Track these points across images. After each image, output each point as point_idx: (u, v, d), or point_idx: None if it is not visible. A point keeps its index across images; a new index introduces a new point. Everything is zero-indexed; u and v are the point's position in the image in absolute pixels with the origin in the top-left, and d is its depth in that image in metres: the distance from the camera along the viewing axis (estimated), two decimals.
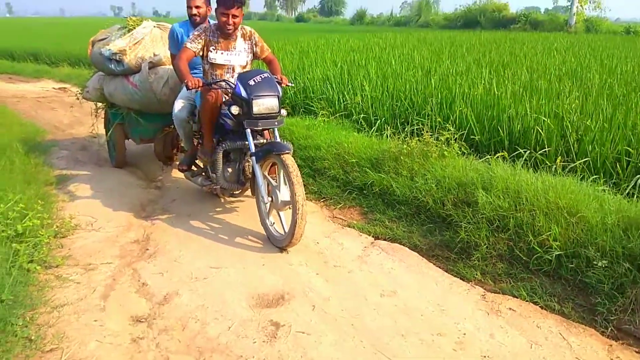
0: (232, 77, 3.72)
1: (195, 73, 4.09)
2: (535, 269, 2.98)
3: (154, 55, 4.62)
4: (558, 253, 2.91)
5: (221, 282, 2.93)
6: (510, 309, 2.67)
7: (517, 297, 2.78)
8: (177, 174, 4.89)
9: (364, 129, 5.63)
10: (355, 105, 6.16)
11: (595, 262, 2.76)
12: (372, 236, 3.60)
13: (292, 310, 2.63)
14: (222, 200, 4.31)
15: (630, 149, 4.01)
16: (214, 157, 3.65)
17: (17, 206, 3.28)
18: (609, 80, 6.55)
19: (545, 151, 4.31)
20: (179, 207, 4.17)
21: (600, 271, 2.73)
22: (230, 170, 3.70)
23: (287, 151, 3.24)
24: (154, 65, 4.57)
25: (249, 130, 3.43)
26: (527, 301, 2.74)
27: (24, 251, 2.94)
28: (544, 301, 2.73)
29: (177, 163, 4.51)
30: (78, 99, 5.75)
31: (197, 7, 4.12)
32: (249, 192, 4.08)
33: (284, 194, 3.32)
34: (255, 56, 3.89)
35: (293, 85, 4.03)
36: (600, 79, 6.65)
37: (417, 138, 4.45)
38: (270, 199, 3.39)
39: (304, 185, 4.42)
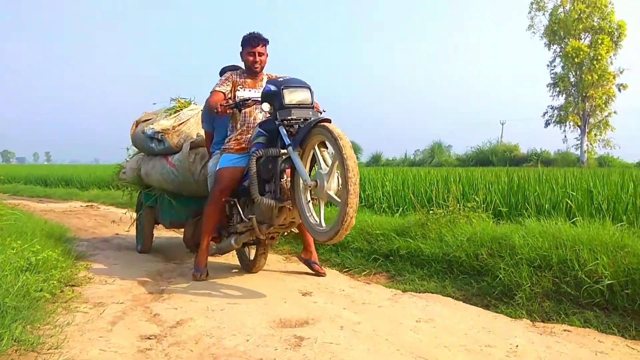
0: (260, 112, 3.59)
1: (221, 142, 3.89)
2: (587, 303, 2.67)
3: (197, 135, 4.45)
4: (610, 282, 2.64)
5: (239, 312, 2.68)
6: (565, 330, 2.35)
7: (572, 327, 2.46)
8: None
9: (387, 213, 5.56)
10: (377, 199, 6.16)
11: None
12: (402, 290, 3.34)
13: (318, 329, 2.35)
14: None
15: None
16: (249, 165, 3.12)
17: (33, 247, 3.20)
18: None
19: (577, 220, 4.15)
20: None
21: None
22: (267, 191, 3.21)
23: (328, 118, 2.89)
24: (196, 145, 4.34)
25: (282, 127, 3.03)
26: (582, 327, 2.42)
27: (34, 281, 2.78)
28: (601, 332, 2.41)
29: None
30: (113, 180, 5.80)
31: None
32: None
33: (330, 184, 2.80)
34: None
35: (324, 110, 3.38)
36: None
37: (443, 209, 4.36)
38: (314, 182, 2.83)
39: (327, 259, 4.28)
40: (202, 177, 4.16)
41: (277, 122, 3.06)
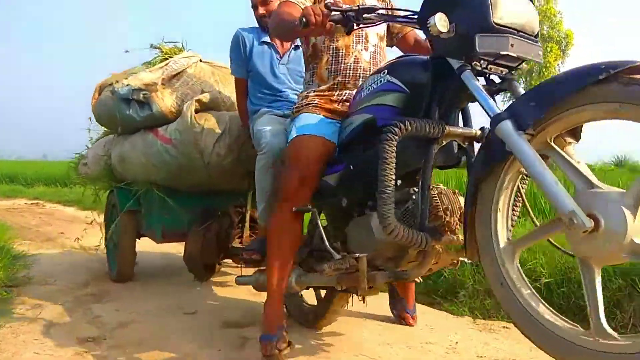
0: (366, 50, 2.01)
1: (261, 98, 2.55)
2: None
3: (202, 92, 2.88)
4: (547, 280, 2.76)
5: (185, 314, 2.64)
6: (504, 327, 2.45)
7: (510, 324, 2.56)
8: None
9: None
10: None
11: None
12: None
13: None
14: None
15: None
16: (382, 152, 1.47)
17: None
18: None
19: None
20: (150, 272, 3.88)
21: None
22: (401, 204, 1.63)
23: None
24: (204, 106, 2.78)
25: (470, 77, 1.38)
26: None
27: None
28: None
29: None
30: (70, 176, 4.73)
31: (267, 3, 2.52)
32: None
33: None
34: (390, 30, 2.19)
35: None
36: None
37: None
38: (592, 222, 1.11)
39: None
40: (217, 158, 2.63)
41: (462, 65, 1.41)
